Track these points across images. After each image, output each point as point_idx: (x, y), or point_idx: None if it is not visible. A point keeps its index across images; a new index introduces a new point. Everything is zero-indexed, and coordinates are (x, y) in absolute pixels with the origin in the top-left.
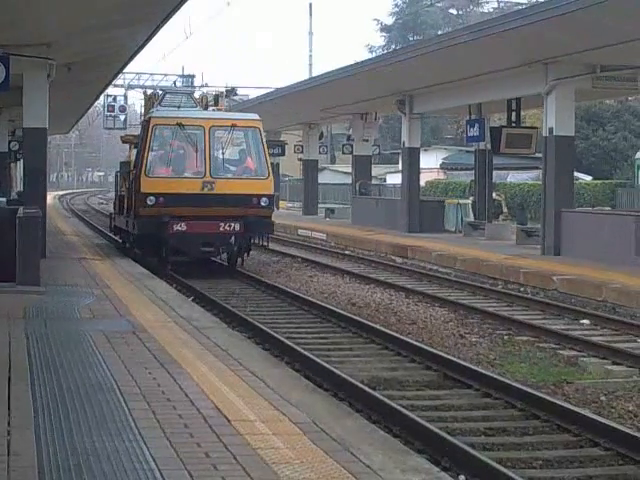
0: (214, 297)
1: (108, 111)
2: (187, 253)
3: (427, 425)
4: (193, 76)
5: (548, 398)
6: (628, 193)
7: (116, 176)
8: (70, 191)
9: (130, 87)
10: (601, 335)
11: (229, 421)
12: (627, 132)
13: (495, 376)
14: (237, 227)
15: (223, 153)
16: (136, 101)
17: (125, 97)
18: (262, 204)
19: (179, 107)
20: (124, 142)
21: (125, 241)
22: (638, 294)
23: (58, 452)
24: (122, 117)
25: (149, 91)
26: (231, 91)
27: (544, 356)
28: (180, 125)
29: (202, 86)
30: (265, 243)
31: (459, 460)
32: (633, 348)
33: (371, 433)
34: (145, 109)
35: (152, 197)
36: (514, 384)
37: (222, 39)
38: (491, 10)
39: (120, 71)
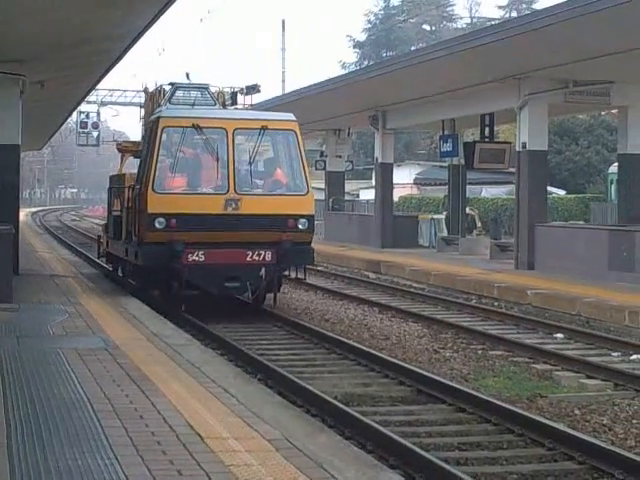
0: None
1: (81, 127)
2: (206, 289)
3: (400, 440)
4: (166, 92)
5: (522, 412)
6: (601, 207)
7: (109, 193)
8: (43, 208)
9: (103, 104)
10: (575, 349)
11: (202, 438)
12: (600, 146)
13: (469, 391)
14: (268, 256)
15: (251, 163)
16: (109, 118)
17: (98, 114)
18: (300, 227)
19: (193, 105)
20: (120, 151)
21: (123, 273)
22: (611, 308)
23: (31, 470)
24: (95, 134)
25: (151, 87)
26: (253, 88)
27: (518, 370)
28: (197, 127)
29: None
30: (301, 276)
31: (433, 475)
32: (607, 362)
33: (344, 449)
34: (146, 110)
35: (161, 219)
36: (488, 398)
37: (195, 56)
38: (464, 26)
39: (93, 87)
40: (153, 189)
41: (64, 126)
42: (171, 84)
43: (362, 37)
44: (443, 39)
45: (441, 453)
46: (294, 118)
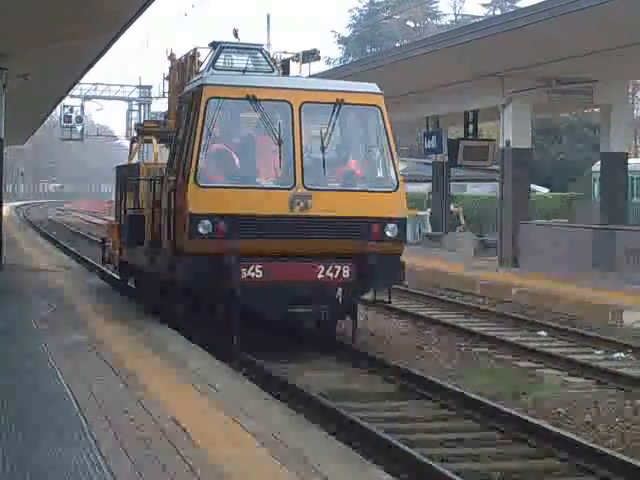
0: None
1: (65, 121)
2: (265, 316)
3: (385, 437)
4: (150, 87)
5: (506, 409)
6: (584, 205)
7: (118, 187)
8: (26, 202)
9: (87, 98)
10: (558, 347)
11: (187, 433)
12: (583, 145)
13: (453, 388)
14: (346, 273)
15: (324, 148)
16: (93, 112)
17: (82, 108)
18: (387, 234)
19: (244, 71)
20: (141, 133)
21: (138, 285)
22: (595, 306)
23: (15, 465)
24: (79, 128)
25: (178, 53)
26: (311, 54)
27: (501, 368)
28: (252, 99)
29: (159, 97)
30: (386, 299)
31: (417, 471)
32: (590, 360)
33: (329, 445)
34: (171, 83)
35: (207, 221)
36: (472, 396)
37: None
38: (448, 23)
39: (77, 81)
40: (196, 181)
41: (48, 120)
42: (213, 44)
43: (347, 33)
44: (427, 36)
45: (425, 449)
46: (378, 89)
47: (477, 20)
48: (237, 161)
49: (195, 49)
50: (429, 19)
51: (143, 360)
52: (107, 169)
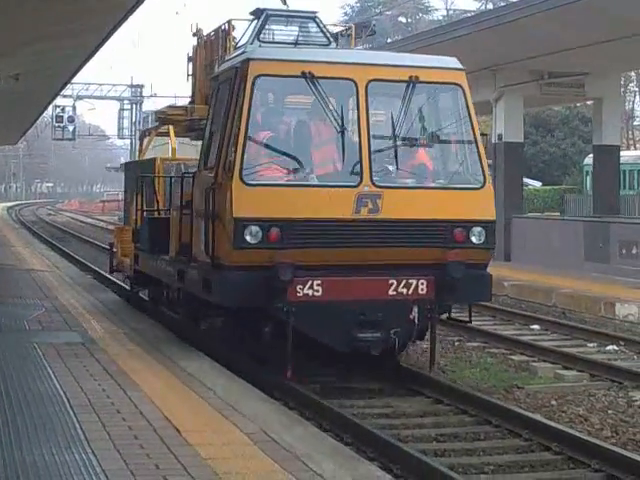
0: None
1: (57, 122)
2: (326, 342)
3: (378, 433)
4: (142, 86)
5: (499, 403)
6: (577, 199)
7: (130, 186)
8: (19, 202)
9: (79, 97)
10: (551, 340)
11: (179, 432)
12: (576, 138)
13: (446, 382)
14: (423, 288)
15: (396, 136)
16: (85, 112)
17: (74, 108)
18: (473, 240)
19: (296, 44)
20: (162, 122)
21: (154, 298)
22: (587, 299)
23: (7, 465)
24: (71, 128)
25: (205, 27)
26: (365, 26)
27: (495, 361)
28: (310, 76)
29: (151, 96)
30: (467, 320)
31: (410, 467)
32: (583, 352)
33: (322, 441)
34: (196, 64)
35: (255, 227)
36: (465, 390)
37: (171, 48)
38: (440, 18)
39: (69, 81)
40: (241, 178)
41: (40, 120)
42: (256, 13)
43: (338, 29)
44: (419, 31)
45: (418, 445)
46: (459, 65)
47: (469, 14)
48: (291, 153)
49: (229, 21)
50: (421, 14)
51: (137, 361)
52: (99, 169)
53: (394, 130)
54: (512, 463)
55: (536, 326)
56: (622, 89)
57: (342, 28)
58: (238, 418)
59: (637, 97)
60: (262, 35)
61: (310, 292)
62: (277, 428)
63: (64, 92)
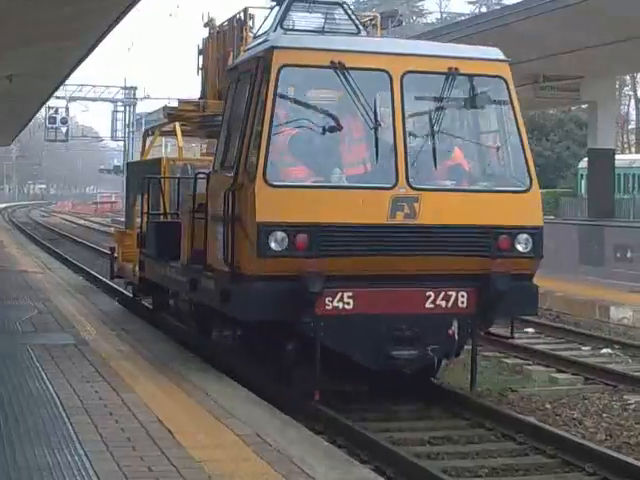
0: None
1: (49, 123)
2: (357, 360)
3: (371, 436)
4: (135, 88)
5: (493, 406)
6: (572, 202)
7: (135, 187)
8: (12, 204)
9: (72, 99)
10: (545, 343)
11: (172, 434)
12: (570, 141)
13: (439, 385)
14: (463, 300)
15: (434, 133)
16: (78, 113)
17: (67, 109)
18: (519, 248)
19: (323, 31)
20: (172, 119)
21: (155, 306)
22: (582, 302)
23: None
24: (64, 129)
25: (217, 18)
26: (392, 16)
27: (489, 365)
28: (339, 67)
29: (144, 98)
30: (509, 333)
31: (404, 470)
32: (577, 356)
33: (315, 444)
34: (208, 55)
35: (281, 233)
36: (460, 393)
37: (165, 51)
38: (434, 21)
39: (62, 82)
40: (265, 179)
41: (32, 121)
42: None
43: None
44: (413, 34)
45: (412, 448)
46: (502, 56)
47: (463, 18)
48: (319, 151)
49: (246, 9)
50: (415, 17)
51: (130, 362)
52: (92, 170)
53: (432, 127)
54: (506, 466)
55: (530, 329)
56: (617, 93)
57: (366, 18)
58: (232, 420)
59: (632, 101)
60: (286, 22)
61: (340, 305)
62: (270, 431)
63: (57, 93)
